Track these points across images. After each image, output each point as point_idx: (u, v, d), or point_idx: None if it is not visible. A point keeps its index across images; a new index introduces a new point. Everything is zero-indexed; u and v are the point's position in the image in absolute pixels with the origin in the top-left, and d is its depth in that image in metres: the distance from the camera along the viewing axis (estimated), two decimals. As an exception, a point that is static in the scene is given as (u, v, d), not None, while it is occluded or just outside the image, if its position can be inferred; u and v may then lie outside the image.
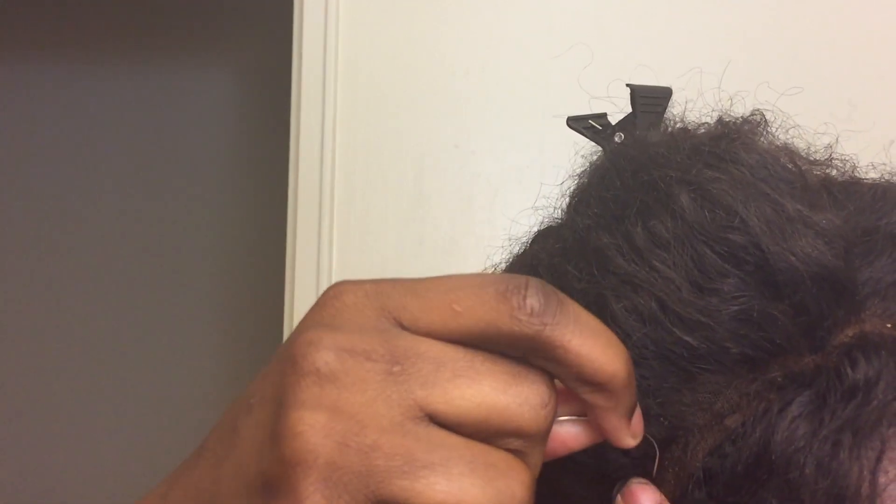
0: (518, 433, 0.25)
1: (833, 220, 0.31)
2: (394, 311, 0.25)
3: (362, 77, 1.06)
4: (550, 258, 0.36)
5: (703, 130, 0.35)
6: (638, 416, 0.27)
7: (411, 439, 0.23)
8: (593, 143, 0.37)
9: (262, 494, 0.24)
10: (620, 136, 0.36)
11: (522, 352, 0.25)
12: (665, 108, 0.37)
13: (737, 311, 0.30)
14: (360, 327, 0.25)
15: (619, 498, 0.30)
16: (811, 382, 0.29)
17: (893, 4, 1.04)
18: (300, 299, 1.02)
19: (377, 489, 0.23)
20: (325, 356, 0.24)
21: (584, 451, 0.28)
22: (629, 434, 0.27)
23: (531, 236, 0.39)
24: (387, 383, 0.24)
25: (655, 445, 0.30)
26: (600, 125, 0.37)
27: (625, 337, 0.30)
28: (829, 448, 0.28)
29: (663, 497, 0.30)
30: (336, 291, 0.26)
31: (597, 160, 0.37)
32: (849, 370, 0.28)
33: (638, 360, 0.30)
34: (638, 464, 0.31)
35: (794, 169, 0.33)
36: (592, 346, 0.25)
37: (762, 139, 0.35)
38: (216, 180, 2.10)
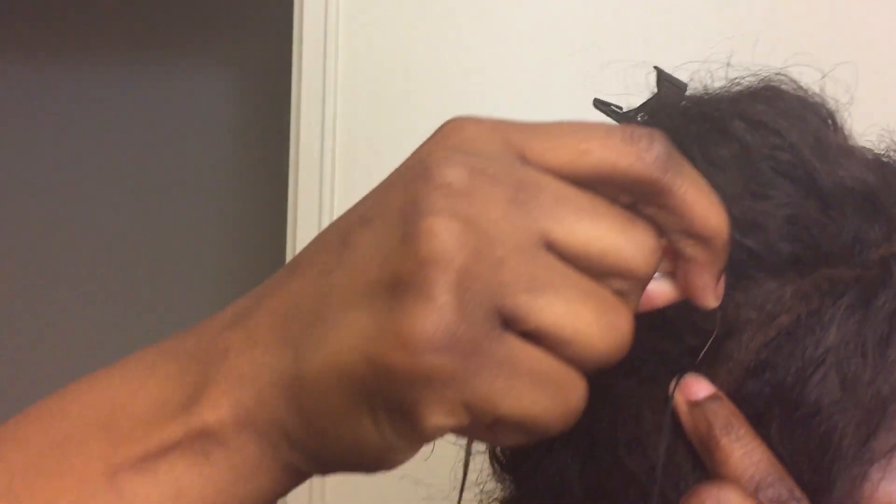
0: (627, 274, 0.25)
1: (866, 153, 0.35)
2: (518, 145, 0.26)
3: (362, 77, 1.06)
4: None
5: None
6: (722, 281, 0.29)
7: (534, 261, 0.24)
8: None
9: (388, 292, 0.24)
10: (644, 118, 0.38)
11: (638, 198, 0.26)
12: (683, 99, 0.39)
13: (788, 214, 0.32)
14: (485, 154, 0.25)
15: (676, 392, 0.32)
16: (856, 285, 0.31)
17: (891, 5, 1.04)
18: (300, 299, 1.01)
19: (501, 301, 0.23)
20: (458, 171, 0.24)
21: (643, 348, 0.29)
22: (714, 295, 0.28)
23: None
24: (512, 208, 0.24)
25: (718, 321, 0.32)
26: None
27: None
28: (887, 328, 0.31)
29: (717, 388, 0.32)
30: (457, 125, 0.27)
31: (640, 119, 0.39)
32: (894, 271, 0.31)
33: None
34: (694, 355, 0.32)
35: (824, 112, 0.36)
36: (705, 201, 0.26)
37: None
38: (216, 180, 2.10)
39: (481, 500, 0.42)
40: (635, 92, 0.40)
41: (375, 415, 0.24)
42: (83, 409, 0.29)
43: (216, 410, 0.26)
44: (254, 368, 0.26)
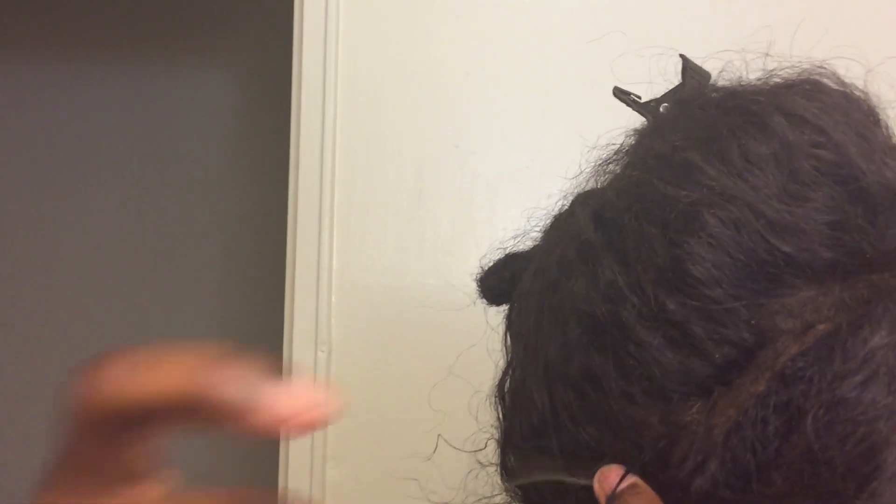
0: None
1: None
2: None
3: (362, 77, 1.06)
4: (619, 182, 0.35)
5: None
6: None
7: None
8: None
9: None
10: (666, 107, 0.36)
11: None
12: (706, 89, 0.37)
13: (830, 219, 0.30)
14: None
15: (595, 480, 0.31)
16: None
17: None
18: (300, 299, 1.02)
19: None
20: None
21: (664, 366, 0.29)
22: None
23: (570, 202, 0.38)
24: None
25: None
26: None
27: (714, 242, 0.30)
28: None
29: (635, 477, 0.30)
30: None
31: (663, 109, 0.37)
32: None
33: (728, 266, 0.30)
34: (722, 371, 0.30)
35: (868, 108, 0.34)
36: None
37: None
38: (216, 181, 2.10)
39: None
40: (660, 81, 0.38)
41: None
42: None
43: None
44: None
